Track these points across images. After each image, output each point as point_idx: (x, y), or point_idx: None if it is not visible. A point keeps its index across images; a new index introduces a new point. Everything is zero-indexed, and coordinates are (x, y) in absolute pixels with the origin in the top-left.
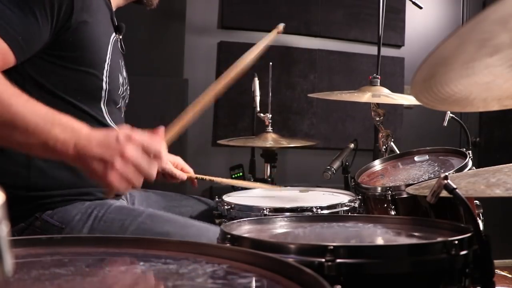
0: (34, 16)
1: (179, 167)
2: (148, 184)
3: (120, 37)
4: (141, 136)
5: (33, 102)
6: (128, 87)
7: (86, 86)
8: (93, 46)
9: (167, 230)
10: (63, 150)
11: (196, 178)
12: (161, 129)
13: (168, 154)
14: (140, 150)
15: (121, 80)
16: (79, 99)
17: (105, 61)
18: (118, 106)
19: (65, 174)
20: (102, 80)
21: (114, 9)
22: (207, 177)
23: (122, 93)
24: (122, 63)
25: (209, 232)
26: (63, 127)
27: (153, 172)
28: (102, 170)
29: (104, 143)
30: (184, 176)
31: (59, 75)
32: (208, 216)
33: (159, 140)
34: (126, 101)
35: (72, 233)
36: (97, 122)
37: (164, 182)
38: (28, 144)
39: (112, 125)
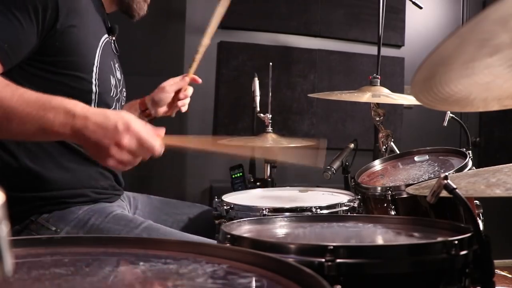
0: (19, 22)
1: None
2: (150, 188)
3: (113, 38)
4: (139, 127)
5: (21, 91)
6: (124, 89)
7: (75, 90)
8: (81, 49)
9: None
10: (60, 132)
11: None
12: (162, 129)
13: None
14: (135, 141)
15: (113, 82)
16: None
17: (94, 64)
18: (112, 108)
19: (57, 176)
20: (92, 83)
21: (108, 10)
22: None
23: (116, 95)
24: (116, 65)
25: None
26: (55, 111)
27: (146, 158)
28: (99, 154)
29: (102, 128)
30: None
31: (47, 80)
32: (207, 219)
33: (155, 136)
34: (122, 104)
35: None
36: None
37: (165, 186)
38: (25, 132)
39: None
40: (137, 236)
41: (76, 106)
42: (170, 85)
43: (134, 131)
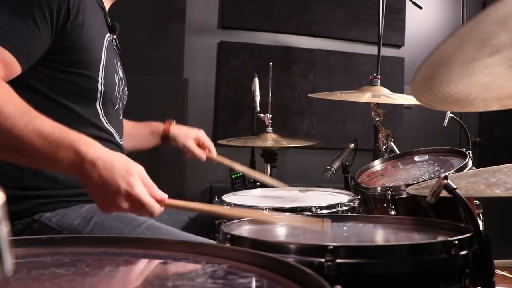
0: (36, 24)
1: (201, 143)
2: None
3: (115, 36)
4: (141, 192)
5: (38, 121)
6: (126, 88)
7: (81, 88)
8: (88, 48)
9: None
10: (66, 170)
11: (215, 160)
12: (165, 196)
13: (190, 129)
14: (134, 204)
15: (117, 80)
16: (74, 101)
17: (100, 62)
18: (116, 107)
19: (62, 175)
20: (98, 81)
21: (107, 8)
22: (226, 162)
23: (119, 94)
24: (118, 63)
25: None
26: (67, 150)
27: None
28: (95, 199)
29: (104, 182)
30: (203, 157)
31: (55, 78)
32: (207, 219)
33: (157, 204)
34: (124, 103)
35: None
36: (92, 125)
37: (165, 185)
38: (32, 164)
39: (108, 127)
40: (140, 234)
41: (89, 148)
42: (194, 147)
43: (135, 196)
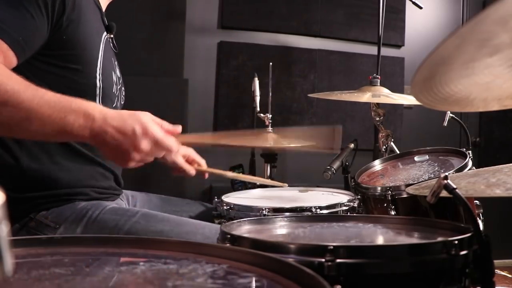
0: (31, 16)
1: (190, 159)
2: (150, 188)
3: (112, 36)
4: (156, 130)
5: (41, 92)
6: (123, 88)
7: (80, 84)
8: (85, 43)
9: (161, 228)
10: (80, 134)
11: (206, 172)
12: (179, 128)
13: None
14: (153, 143)
15: (114, 78)
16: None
17: (98, 58)
18: (114, 105)
19: (59, 175)
20: (96, 77)
21: (104, 8)
22: (217, 172)
23: (116, 92)
24: (115, 62)
25: (205, 229)
26: (75, 114)
27: (162, 155)
28: (118, 158)
29: (120, 132)
30: (192, 172)
31: (53, 74)
32: (208, 217)
33: (172, 138)
34: (122, 102)
35: (66, 233)
36: None
37: (165, 185)
38: (44, 133)
39: None
40: (135, 223)
41: (95, 108)
42: (183, 163)
43: (152, 134)
